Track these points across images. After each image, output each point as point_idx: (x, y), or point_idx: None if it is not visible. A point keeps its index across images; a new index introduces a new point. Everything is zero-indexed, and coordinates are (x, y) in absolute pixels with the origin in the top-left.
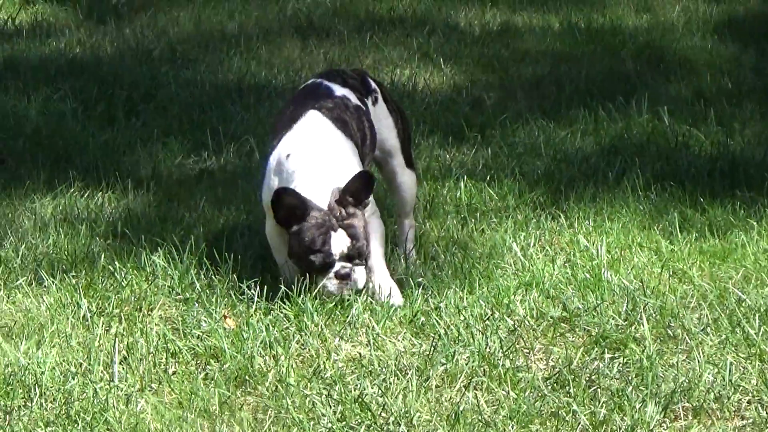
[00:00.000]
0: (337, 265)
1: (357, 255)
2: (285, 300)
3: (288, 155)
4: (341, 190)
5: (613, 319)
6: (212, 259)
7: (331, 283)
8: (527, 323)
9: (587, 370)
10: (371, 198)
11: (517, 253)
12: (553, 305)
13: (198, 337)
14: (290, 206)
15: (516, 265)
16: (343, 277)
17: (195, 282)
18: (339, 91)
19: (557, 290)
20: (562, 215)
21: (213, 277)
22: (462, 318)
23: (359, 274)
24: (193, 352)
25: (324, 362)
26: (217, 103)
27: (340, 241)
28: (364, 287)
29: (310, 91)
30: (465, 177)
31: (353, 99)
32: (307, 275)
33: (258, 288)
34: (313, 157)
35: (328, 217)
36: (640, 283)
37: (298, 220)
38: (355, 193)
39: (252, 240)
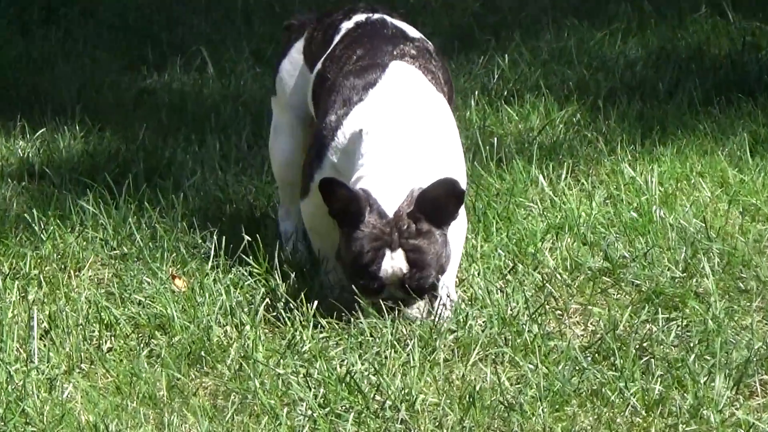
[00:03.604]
0: (386, 292)
1: (416, 287)
2: (250, 254)
3: (364, 131)
4: (417, 198)
5: (668, 269)
6: (156, 204)
7: (375, 306)
8: (559, 277)
9: (637, 335)
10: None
11: (545, 187)
12: (591, 254)
13: (139, 304)
14: (344, 200)
15: (543, 204)
16: (390, 308)
17: (134, 233)
18: (412, 31)
19: (596, 234)
20: (600, 139)
21: (157, 226)
22: (476, 271)
23: (415, 309)
24: (133, 322)
25: (301, 332)
26: (160, 5)
27: (395, 264)
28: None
29: (376, 31)
30: (476, 93)
31: (430, 44)
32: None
33: (215, 239)
34: (398, 139)
35: (389, 229)
36: (702, 224)
37: (351, 223)
38: (435, 204)
39: (207, 177)
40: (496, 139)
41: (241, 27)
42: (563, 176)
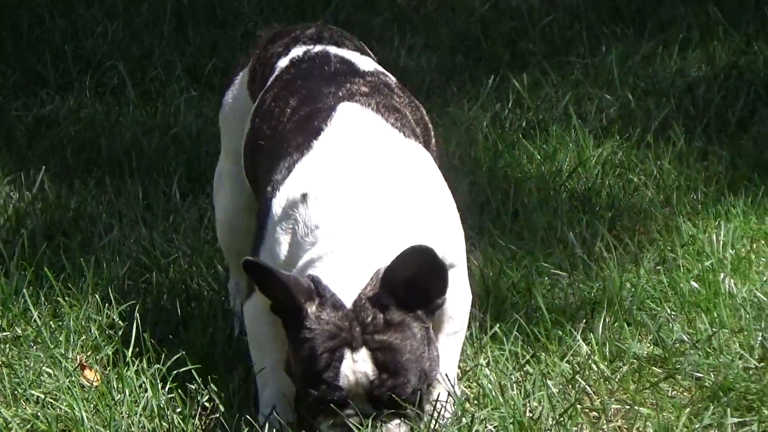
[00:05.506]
0: (349, 409)
1: (390, 399)
2: (184, 337)
3: (310, 197)
4: (383, 278)
5: (740, 358)
6: (59, 271)
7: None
8: (595, 368)
9: None
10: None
11: (576, 249)
12: (638, 337)
13: (38, 402)
14: (279, 291)
15: (574, 271)
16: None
17: (30, 309)
18: (364, 63)
19: (645, 312)
20: (650, 185)
21: (60, 299)
22: (484, 360)
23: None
24: (29, 426)
25: None
26: (61, 8)
27: (358, 368)
28: None
29: (313, 70)
30: (485, 124)
31: (391, 77)
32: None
33: (137, 317)
34: (355, 203)
35: (347, 323)
36: None
37: (293, 319)
38: (409, 284)
39: (126, 235)
40: (512, 185)
41: (171, 36)
42: (601, 234)
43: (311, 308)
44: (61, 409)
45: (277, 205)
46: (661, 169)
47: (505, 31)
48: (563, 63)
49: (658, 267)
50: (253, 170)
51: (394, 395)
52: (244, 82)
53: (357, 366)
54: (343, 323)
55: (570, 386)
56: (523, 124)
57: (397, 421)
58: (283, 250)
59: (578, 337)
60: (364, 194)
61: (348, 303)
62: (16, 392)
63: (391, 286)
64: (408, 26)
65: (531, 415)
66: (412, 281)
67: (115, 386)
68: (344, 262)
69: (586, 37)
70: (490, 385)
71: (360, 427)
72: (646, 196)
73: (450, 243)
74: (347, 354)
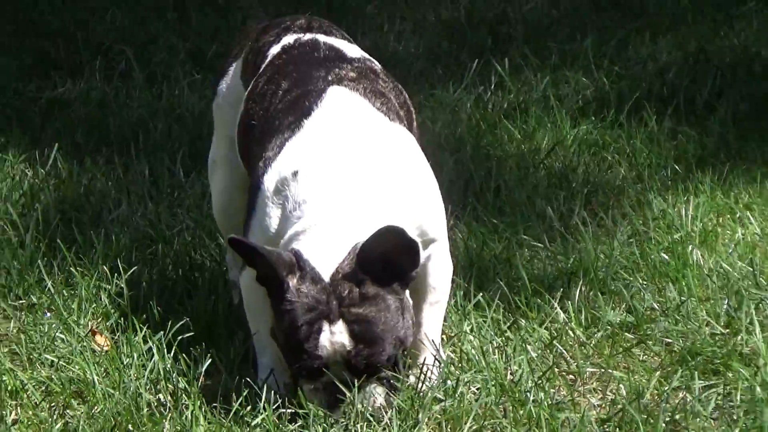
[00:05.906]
0: (332, 372)
1: (366, 367)
2: (188, 305)
3: (299, 173)
4: (358, 254)
5: (707, 324)
6: (71, 243)
7: (317, 394)
8: (571, 334)
9: (667, 406)
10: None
11: (554, 223)
12: (611, 305)
13: (52, 366)
14: (263, 265)
15: (552, 243)
16: (333, 396)
17: (45, 279)
18: (351, 50)
19: (618, 281)
20: (623, 163)
21: (73, 269)
22: (468, 327)
23: (372, 395)
24: (44, 388)
25: (251, 401)
26: None
27: (335, 339)
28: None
29: (304, 56)
30: (468, 105)
31: (376, 63)
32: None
33: (144, 286)
34: (340, 180)
35: (325, 296)
36: (750, 268)
37: (276, 291)
38: (383, 261)
39: (133, 209)
40: (494, 162)
41: (175, 22)
42: (577, 209)
43: (292, 281)
44: (73, 372)
45: (269, 181)
46: (634, 148)
47: (487, 18)
48: (542, 48)
49: (631, 239)
50: (246, 150)
51: (370, 362)
52: (237, 72)
53: (334, 337)
54: (321, 296)
55: (548, 351)
56: (505, 105)
57: (375, 384)
58: (274, 223)
59: (556, 305)
60: (351, 173)
61: (326, 277)
62: (31, 356)
63: (367, 261)
64: (397, 13)
65: (512, 377)
66: (386, 257)
67: (124, 351)
68: (325, 237)
69: (565, 23)
70: (473, 350)
71: (340, 390)
72: (620, 173)
73: (432, 218)
74: (325, 326)
